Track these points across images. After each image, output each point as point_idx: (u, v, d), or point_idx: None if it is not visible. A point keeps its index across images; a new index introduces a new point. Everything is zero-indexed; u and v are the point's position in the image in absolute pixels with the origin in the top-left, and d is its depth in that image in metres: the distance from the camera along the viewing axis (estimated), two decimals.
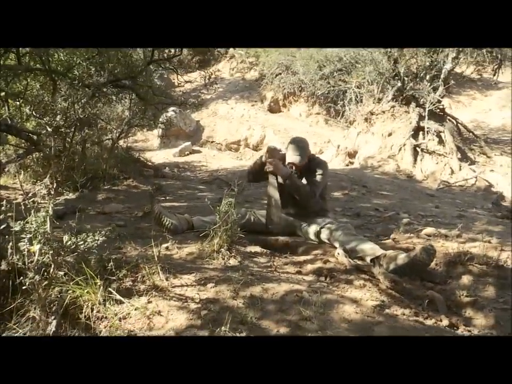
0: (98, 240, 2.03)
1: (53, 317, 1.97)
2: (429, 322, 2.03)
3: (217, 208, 2.63)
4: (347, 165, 7.25)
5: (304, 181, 3.04)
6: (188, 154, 8.72)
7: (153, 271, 2.23)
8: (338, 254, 2.58)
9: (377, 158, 6.55)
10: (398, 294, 2.24)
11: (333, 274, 2.35)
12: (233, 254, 2.54)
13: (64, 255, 2.07)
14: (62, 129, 3.90)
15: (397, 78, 7.55)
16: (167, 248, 2.67)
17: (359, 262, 2.60)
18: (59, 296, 2.01)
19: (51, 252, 2.02)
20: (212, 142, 9.91)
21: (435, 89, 7.23)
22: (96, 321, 1.95)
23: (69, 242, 2.03)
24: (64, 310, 1.99)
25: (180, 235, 2.88)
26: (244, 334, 1.75)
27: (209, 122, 10.47)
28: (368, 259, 2.64)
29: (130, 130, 6.13)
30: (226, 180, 6.01)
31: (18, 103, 5.88)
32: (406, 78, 7.52)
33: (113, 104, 6.56)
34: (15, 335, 1.90)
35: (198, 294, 2.07)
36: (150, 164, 6.58)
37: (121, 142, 7.10)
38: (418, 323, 1.97)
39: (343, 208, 4.30)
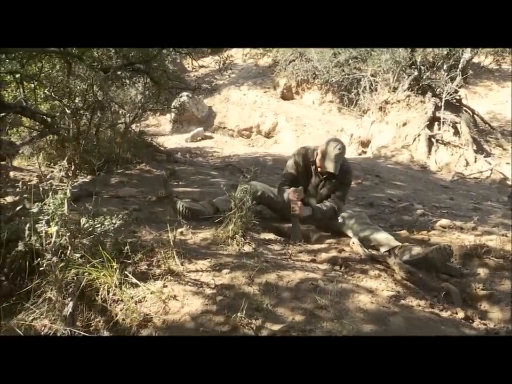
0: (115, 223, 2.03)
1: (69, 298, 1.99)
2: (445, 314, 2.01)
3: (232, 194, 2.62)
4: (360, 154, 7.17)
5: (330, 185, 2.97)
6: (199, 140, 8.70)
7: (169, 255, 2.24)
8: (353, 243, 2.56)
9: (390, 147, 6.47)
10: (413, 285, 2.22)
11: (348, 264, 2.33)
12: (247, 241, 2.53)
13: (81, 237, 2.08)
14: (81, 111, 3.89)
15: (413, 67, 7.41)
16: (181, 233, 2.67)
17: (374, 252, 2.59)
18: (75, 278, 2.03)
19: (68, 234, 2.03)
20: (224, 128, 9.86)
21: (452, 79, 7.08)
22: (112, 304, 1.97)
23: (86, 225, 2.04)
24: (81, 292, 2.02)
25: (194, 221, 2.86)
26: (259, 321, 1.76)
27: (221, 108, 10.41)
28: (382, 249, 2.62)
29: (143, 114, 6.11)
30: (238, 166, 5.99)
31: (33, 85, 5.90)
32: (422, 67, 7.38)
33: (126, 88, 6.55)
34: (32, 315, 1.93)
35: (213, 279, 2.07)
36: (162, 148, 6.57)
37: (133, 126, 7.12)
38: (434, 315, 1.95)
39: (356, 198, 4.26)
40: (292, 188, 2.93)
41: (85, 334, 1.81)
